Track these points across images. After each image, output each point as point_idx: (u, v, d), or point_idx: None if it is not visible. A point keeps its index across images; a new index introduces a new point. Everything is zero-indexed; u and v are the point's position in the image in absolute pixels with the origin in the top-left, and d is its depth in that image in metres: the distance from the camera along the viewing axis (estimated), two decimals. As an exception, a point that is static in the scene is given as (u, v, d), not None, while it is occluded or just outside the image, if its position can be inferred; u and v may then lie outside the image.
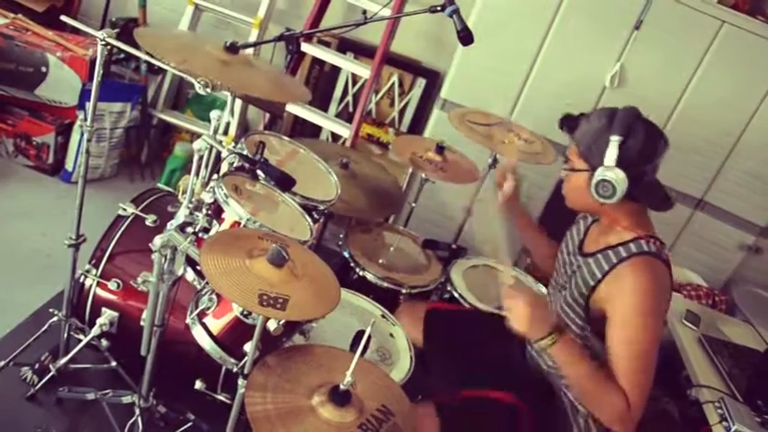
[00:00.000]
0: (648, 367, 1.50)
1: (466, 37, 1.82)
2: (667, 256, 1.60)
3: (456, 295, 2.25)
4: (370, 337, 1.40)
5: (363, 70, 3.17)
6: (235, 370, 1.46)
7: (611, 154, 1.52)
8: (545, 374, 1.78)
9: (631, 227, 1.61)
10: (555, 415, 1.74)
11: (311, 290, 1.38)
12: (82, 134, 3.07)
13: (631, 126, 1.53)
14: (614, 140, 1.52)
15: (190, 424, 2.00)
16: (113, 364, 2.06)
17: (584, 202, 1.64)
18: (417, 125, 3.54)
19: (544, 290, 2.39)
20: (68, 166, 3.19)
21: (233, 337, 1.49)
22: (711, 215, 3.08)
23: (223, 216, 1.63)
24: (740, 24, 2.75)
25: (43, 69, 3.07)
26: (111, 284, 1.98)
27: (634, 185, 1.53)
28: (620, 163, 1.52)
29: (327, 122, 3.27)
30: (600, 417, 1.55)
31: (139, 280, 1.63)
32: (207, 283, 1.57)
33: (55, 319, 2.05)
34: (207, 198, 1.63)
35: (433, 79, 3.47)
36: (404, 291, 2.26)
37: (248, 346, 1.40)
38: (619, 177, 1.52)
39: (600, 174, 1.54)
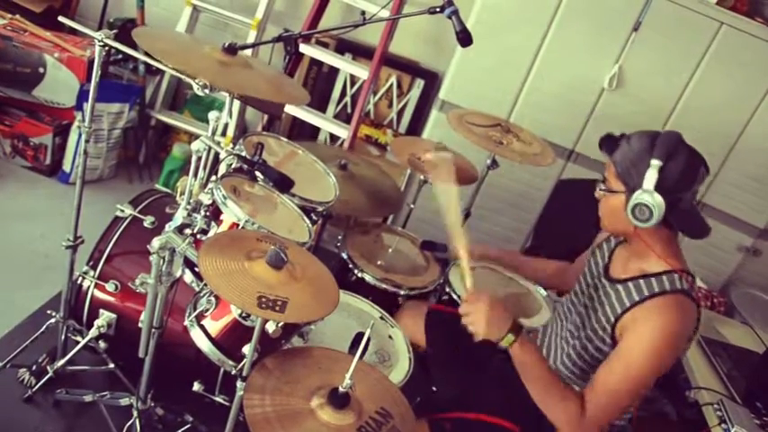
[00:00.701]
0: (629, 396, 1.50)
1: (465, 38, 1.82)
2: (698, 294, 1.58)
3: (454, 297, 2.24)
4: (369, 339, 1.39)
5: (362, 71, 3.16)
6: (233, 372, 1.46)
7: (651, 177, 1.49)
8: None
9: (664, 255, 1.58)
10: None
11: (310, 292, 1.37)
12: (80, 135, 3.06)
13: (673, 151, 1.51)
14: (655, 164, 1.49)
15: (188, 426, 1.99)
16: (111, 365, 2.05)
17: (620, 224, 1.61)
18: (416, 126, 3.54)
19: (544, 292, 2.38)
20: (66, 167, 3.18)
21: (231, 340, 1.49)
22: (710, 217, 3.08)
23: (221, 217, 1.62)
24: (739, 26, 2.76)
25: (41, 70, 3.06)
26: (109, 286, 1.98)
27: (670, 211, 1.51)
28: (659, 187, 1.49)
29: (326, 123, 3.27)
30: (553, 421, 1.54)
31: (137, 282, 1.63)
32: (205, 284, 1.57)
33: (52, 320, 2.05)
34: (205, 199, 1.62)
35: (432, 80, 3.47)
36: (402, 292, 2.26)
37: (247, 349, 1.40)
38: (656, 202, 1.49)
39: (637, 197, 1.51)
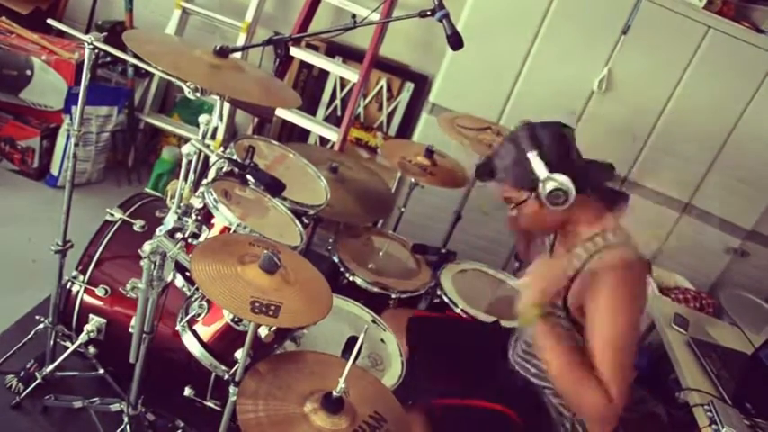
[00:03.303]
0: (629, 358, 1.52)
1: (456, 41, 1.82)
2: (636, 244, 1.61)
3: (446, 299, 2.25)
4: (362, 343, 1.38)
5: (352, 74, 3.16)
6: (226, 377, 1.45)
7: (539, 167, 1.55)
8: (529, 383, 1.78)
9: (594, 220, 1.63)
10: (542, 422, 1.74)
11: (303, 296, 1.37)
12: (68, 138, 3.05)
13: (532, 134, 1.58)
14: (532, 155, 1.56)
15: (179, 431, 1.98)
16: (101, 371, 2.03)
17: (547, 220, 1.66)
18: (406, 129, 3.54)
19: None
20: (54, 170, 3.15)
21: (223, 344, 1.48)
22: (698, 219, 3.10)
23: (213, 221, 1.61)
24: (726, 30, 2.78)
25: (28, 73, 3.03)
26: (99, 291, 1.96)
27: (576, 179, 1.56)
28: (552, 168, 1.55)
29: (316, 126, 3.26)
30: (581, 412, 1.56)
31: (128, 286, 1.62)
32: (197, 289, 1.56)
33: (41, 326, 2.03)
34: (196, 203, 1.62)
35: (422, 83, 3.47)
36: (393, 295, 2.26)
37: (239, 354, 1.39)
38: (561, 180, 1.55)
39: (543, 189, 1.56)
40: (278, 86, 1.90)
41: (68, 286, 2.00)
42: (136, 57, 1.64)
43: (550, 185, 1.55)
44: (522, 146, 1.58)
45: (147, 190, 3.31)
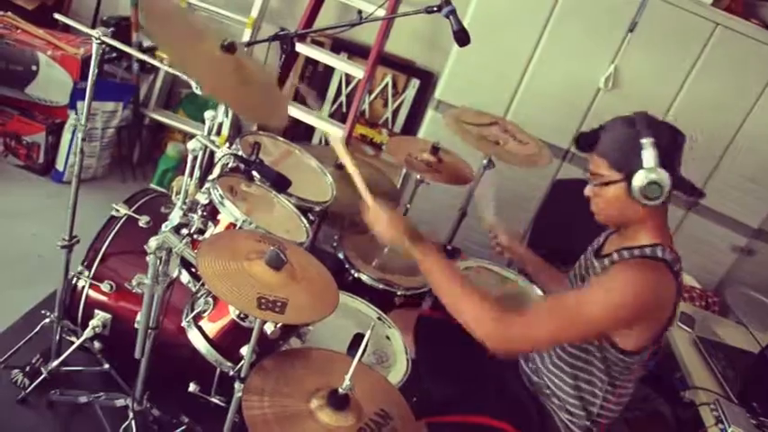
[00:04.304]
0: (554, 330, 1.51)
1: (462, 38, 1.81)
2: (679, 269, 1.58)
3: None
4: (368, 341, 1.38)
5: (357, 70, 3.15)
6: (231, 373, 1.45)
7: (650, 156, 1.50)
8: (536, 391, 1.78)
9: (656, 231, 1.59)
10: None
11: (310, 292, 1.37)
12: (73, 133, 3.05)
13: (655, 126, 1.53)
14: (648, 142, 1.50)
15: (184, 427, 1.98)
16: (106, 366, 2.04)
17: (622, 212, 1.61)
18: (411, 126, 3.54)
19: (540, 292, 2.38)
20: (59, 165, 3.16)
21: (229, 341, 1.48)
22: (704, 217, 3.09)
23: (218, 218, 1.61)
24: (734, 27, 2.76)
25: (34, 68, 3.03)
26: (104, 286, 1.96)
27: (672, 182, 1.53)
28: (659, 163, 1.50)
29: (321, 123, 3.26)
30: (465, 320, 1.53)
31: (134, 282, 1.62)
32: (202, 285, 1.56)
33: (47, 320, 2.03)
34: (202, 199, 1.61)
35: (427, 80, 3.46)
36: (399, 292, 2.25)
37: (245, 350, 1.39)
38: (663, 177, 1.50)
39: (643, 177, 1.51)
40: (275, 98, 1.88)
41: (74, 281, 2.00)
42: (142, 51, 1.63)
43: (653, 176, 1.50)
44: (638, 129, 1.52)
45: (153, 186, 3.31)
